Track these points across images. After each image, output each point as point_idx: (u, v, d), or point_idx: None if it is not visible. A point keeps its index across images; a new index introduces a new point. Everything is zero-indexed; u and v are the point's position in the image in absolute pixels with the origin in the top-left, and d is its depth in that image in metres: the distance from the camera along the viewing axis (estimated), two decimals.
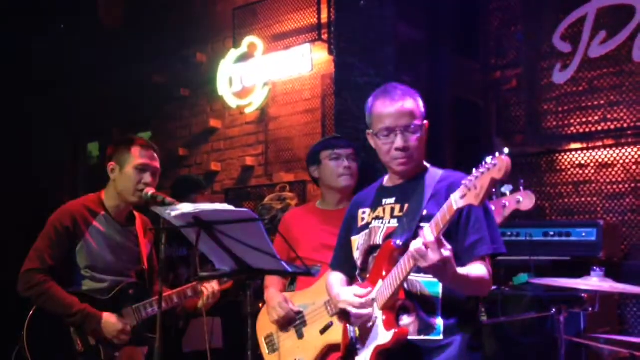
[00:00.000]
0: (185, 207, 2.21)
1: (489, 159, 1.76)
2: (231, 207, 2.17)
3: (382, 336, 2.02)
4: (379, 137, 2.17)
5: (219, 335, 4.16)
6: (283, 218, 3.10)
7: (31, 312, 2.74)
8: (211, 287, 2.96)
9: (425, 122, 2.20)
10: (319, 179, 2.97)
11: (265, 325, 2.89)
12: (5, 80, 6.27)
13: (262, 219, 3.31)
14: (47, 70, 6.49)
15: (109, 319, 2.75)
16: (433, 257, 1.83)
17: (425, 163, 2.24)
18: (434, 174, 2.17)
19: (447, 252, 1.84)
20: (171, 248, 4.44)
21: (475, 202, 1.78)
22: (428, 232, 1.85)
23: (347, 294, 2.12)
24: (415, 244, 1.86)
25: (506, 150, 1.77)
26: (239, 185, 5.78)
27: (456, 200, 1.82)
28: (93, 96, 6.61)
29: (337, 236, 2.40)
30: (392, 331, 2.00)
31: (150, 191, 2.78)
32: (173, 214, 2.24)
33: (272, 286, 2.93)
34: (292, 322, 2.77)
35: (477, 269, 2.01)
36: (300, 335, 2.74)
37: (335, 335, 2.61)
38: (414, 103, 2.16)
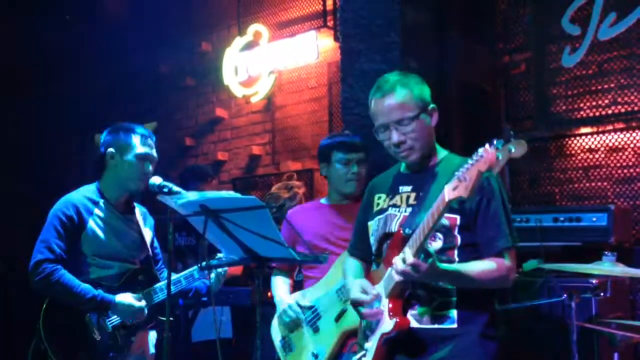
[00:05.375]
0: (192, 195, 2.20)
1: (480, 150, 1.76)
2: (237, 195, 2.16)
3: (386, 324, 2.03)
4: (378, 134, 2.18)
5: (228, 325, 4.16)
6: (286, 216, 3.07)
7: (45, 303, 2.74)
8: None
9: (431, 107, 2.16)
10: (327, 177, 2.97)
11: (279, 328, 2.87)
12: (11, 71, 6.27)
13: (270, 206, 3.29)
14: (52, 61, 6.48)
15: (124, 299, 2.75)
16: (414, 275, 1.89)
17: (442, 149, 2.22)
18: (451, 160, 2.15)
19: (423, 267, 1.88)
20: (180, 237, 4.44)
21: (464, 194, 1.78)
22: (408, 253, 1.89)
23: (355, 290, 2.13)
24: (397, 265, 1.91)
25: (495, 141, 1.76)
26: (246, 174, 5.77)
27: (448, 192, 1.82)
28: (98, 87, 6.60)
29: (354, 222, 2.39)
30: (394, 320, 2.01)
31: (157, 180, 2.77)
32: (180, 202, 2.23)
33: (280, 287, 2.92)
34: (303, 321, 2.76)
35: (481, 266, 2.00)
36: (316, 329, 2.72)
37: (351, 320, 2.59)
38: (405, 94, 2.12)
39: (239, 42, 5.58)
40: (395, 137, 2.11)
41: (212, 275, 2.95)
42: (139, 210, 2.98)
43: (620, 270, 2.72)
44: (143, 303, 2.79)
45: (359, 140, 2.93)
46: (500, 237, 2.02)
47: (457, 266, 2.00)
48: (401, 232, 2.03)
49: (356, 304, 2.15)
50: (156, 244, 3.06)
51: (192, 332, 4.10)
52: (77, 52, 6.41)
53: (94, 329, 2.72)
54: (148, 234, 2.97)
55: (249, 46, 5.52)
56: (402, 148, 2.13)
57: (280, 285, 2.96)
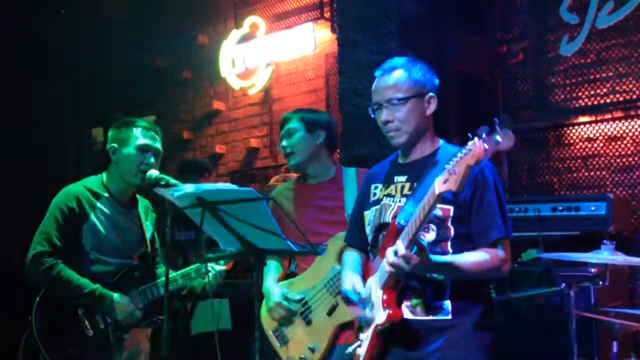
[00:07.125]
0: (189, 188, 2.19)
1: (469, 143, 1.75)
2: (234, 187, 2.15)
3: (380, 315, 2.03)
4: (372, 112, 2.21)
5: (227, 317, 4.17)
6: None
7: (38, 297, 2.73)
8: (217, 267, 2.95)
9: (429, 95, 2.15)
10: None
11: (269, 320, 2.84)
12: (8, 66, 6.25)
13: (267, 198, 3.28)
14: (49, 56, 6.46)
15: (121, 301, 2.74)
16: (405, 267, 1.88)
17: (438, 139, 2.22)
18: (447, 150, 2.14)
19: (415, 259, 1.86)
20: (179, 232, 4.44)
21: (454, 187, 1.77)
22: (400, 245, 1.88)
23: (348, 287, 2.15)
24: (388, 257, 1.89)
25: (483, 134, 1.75)
26: (244, 167, 5.76)
27: (439, 185, 1.81)
28: (96, 81, 6.58)
29: (352, 210, 2.40)
30: (387, 312, 2.00)
31: (154, 173, 2.76)
32: (176, 195, 2.22)
33: (269, 272, 2.87)
34: (295, 313, 2.75)
35: (474, 257, 2.00)
36: (309, 322, 2.71)
37: (343, 313, 2.59)
38: (401, 76, 2.14)
39: (235, 34, 5.55)
40: (383, 115, 2.15)
41: (210, 274, 2.92)
42: (141, 204, 2.97)
43: (622, 258, 2.72)
44: (140, 306, 2.78)
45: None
46: (493, 228, 2.02)
47: (449, 258, 1.99)
48: (395, 223, 2.02)
49: (346, 301, 2.17)
50: (156, 239, 3.05)
51: (192, 325, 4.11)
52: (74, 46, 6.39)
53: (86, 325, 2.71)
54: (148, 229, 2.96)
55: (245, 38, 5.50)
56: (389, 128, 2.15)
57: (269, 271, 2.90)
